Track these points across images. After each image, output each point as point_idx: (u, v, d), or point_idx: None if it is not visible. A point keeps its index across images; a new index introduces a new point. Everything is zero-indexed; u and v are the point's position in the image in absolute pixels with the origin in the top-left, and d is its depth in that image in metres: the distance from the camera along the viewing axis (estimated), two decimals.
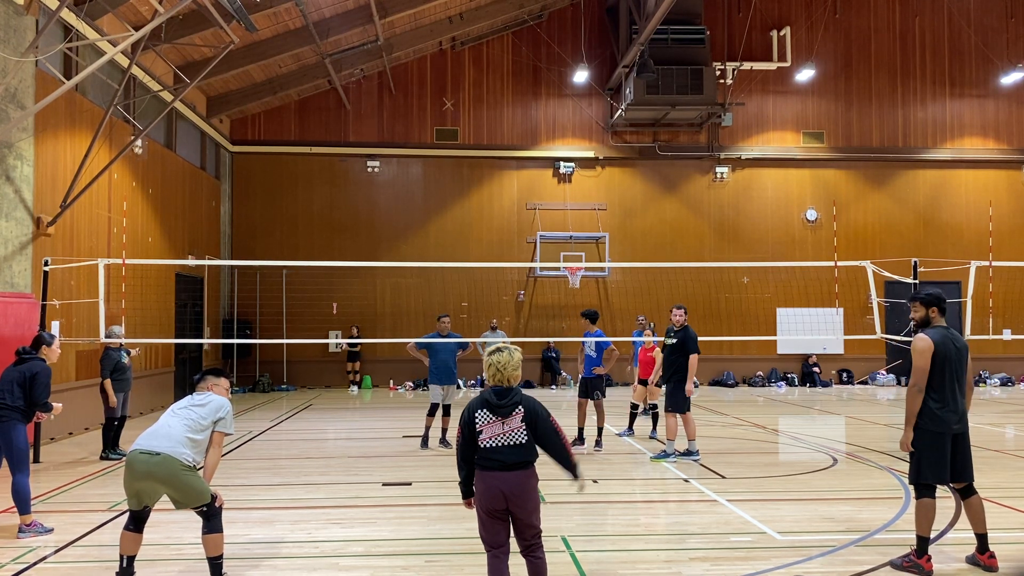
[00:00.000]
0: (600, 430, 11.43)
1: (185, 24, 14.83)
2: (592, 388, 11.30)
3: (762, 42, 22.98)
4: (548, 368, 22.14)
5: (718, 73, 22.26)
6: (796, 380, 22.44)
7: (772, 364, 22.62)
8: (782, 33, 22.76)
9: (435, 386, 11.59)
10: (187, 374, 18.62)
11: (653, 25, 17.82)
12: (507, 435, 4.79)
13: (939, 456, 5.88)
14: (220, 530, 5.55)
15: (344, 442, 12.63)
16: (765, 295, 22.17)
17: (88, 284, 12.93)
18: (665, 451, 10.51)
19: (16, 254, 11.64)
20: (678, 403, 10.46)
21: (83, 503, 8.18)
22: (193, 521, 7.37)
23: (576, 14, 22.77)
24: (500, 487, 4.73)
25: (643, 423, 12.95)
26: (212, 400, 5.81)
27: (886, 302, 17.02)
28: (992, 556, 5.97)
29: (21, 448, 7.03)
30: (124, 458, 10.61)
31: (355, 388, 21.38)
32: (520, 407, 4.84)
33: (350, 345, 21.23)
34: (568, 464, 4.96)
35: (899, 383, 21.91)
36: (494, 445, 4.78)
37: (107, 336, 11.16)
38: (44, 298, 11.07)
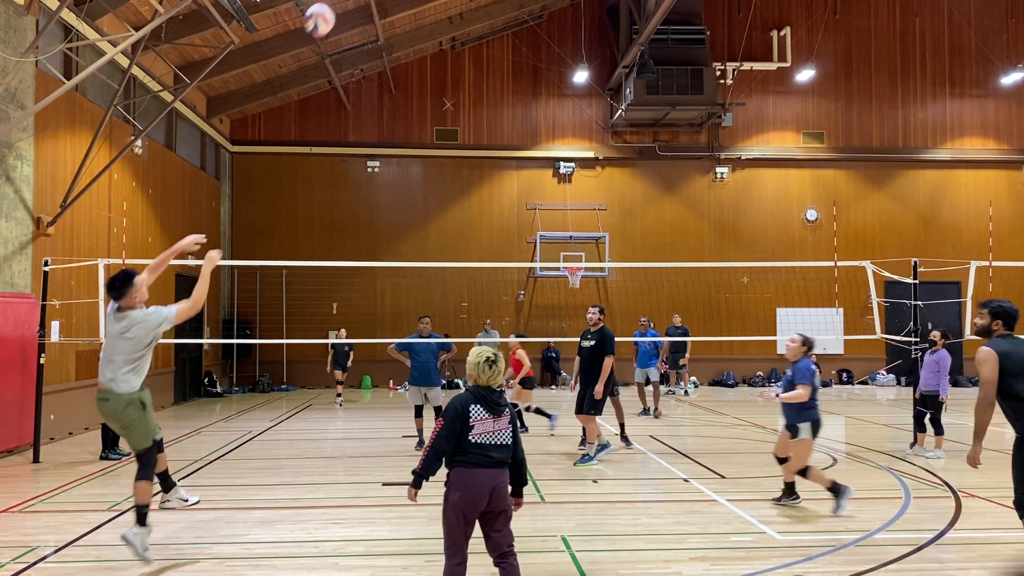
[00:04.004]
0: (622, 426, 11.67)
1: (185, 24, 14.83)
2: (610, 384, 11.33)
3: (762, 42, 22.99)
4: (548, 368, 22.14)
5: (718, 73, 22.27)
6: None
7: (772, 364, 22.60)
8: (782, 33, 22.77)
9: (414, 388, 11.50)
10: (187, 374, 18.64)
11: (653, 25, 17.82)
12: (496, 433, 4.78)
13: None
14: (150, 479, 5.82)
15: (344, 442, 12.63)
16: (765, 295, 22.17)
17: (88, 284, 12.94)
18: (587, 455, 10.22)
19: (16, 254, 11.64)
20: (596, 405, 10.15)
21: (83, 503, 8.18)
22: (193, 521, 7.37)
23: (576, 14, 22.78)
24: (488, 484, 4.71)
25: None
26: (135, 322, 6.00)
27: (886, 302, 17.01)
28: None
29: None
30: (124, 458, 10.64)
31: (339, 403, 17.73)
32: (507, 410, 4.87)
33: (336, 347, 17.68)
34: (522, 479, 4.98)
35: (899, 383, 21.91)
36: (484, 442, 4.75)
37: None
38: (44, 298, 11.07)
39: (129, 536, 5.84)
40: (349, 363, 18.28)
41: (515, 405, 12.65)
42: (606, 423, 12.35)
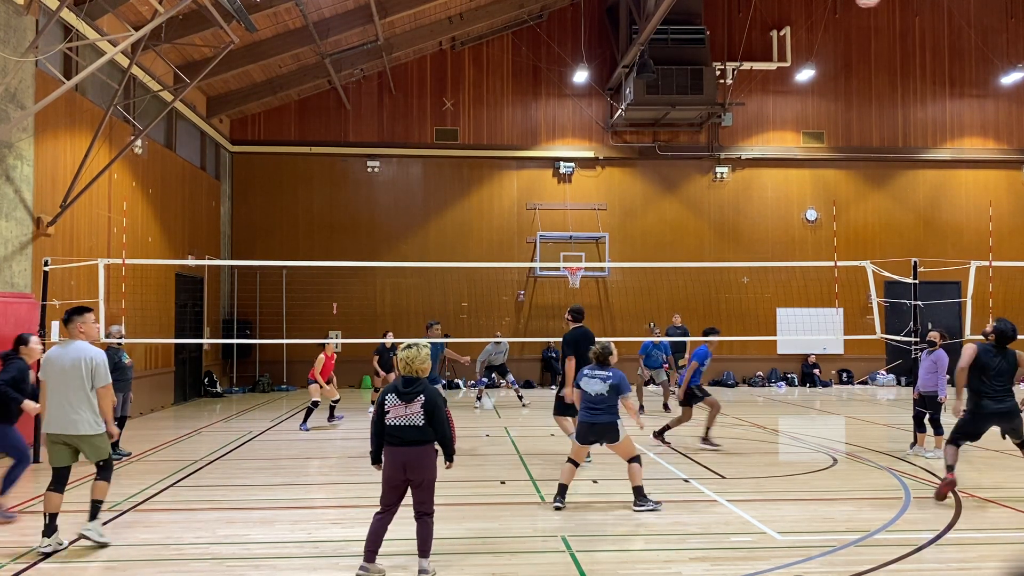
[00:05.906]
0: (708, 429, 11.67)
1: (185, 24, 14.82)
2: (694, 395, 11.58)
3: (762, 42, 22.98)
4: (548, 368, 22.14)
5: (718, 73, 22.25)
6: (796, 380, 22.44)
7: (772, 364, 22.61)
8: (782, 33, 22.75)
9: None
10: (187, 374, 18.64)
11: (653, 25, 17.82)
12: (407, 417, 5.65)
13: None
14: (109, 480, 6.67)
15: (344, 442, 12.63)
16: (765, 295, 22.16)
17: (88, 284, 12.93)
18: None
19: (16, 254, 11.64)
20: (568, 408, 9.94)
21: (83, 503, 8.15)
22: (193, 521, 7.37)
23: (576, 14, 22.77)
24: (400, 459, 5.63)
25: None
26: (81, 357, 6.47)
27: (886, 302, 17.01)
28: None
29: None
30: (124, 458, 10.63)
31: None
32: (422, 395, 5.66)
33: (380, 351, 15.73)
34: (447, 449, 5.85)
35: (899, 383, 21.90)
36: (396, 424, 5.66)
37: (107, 336, 11.17)
38: (44, 298, 11.07)
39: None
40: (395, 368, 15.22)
41: (317, 403, 13.81)
42: None
